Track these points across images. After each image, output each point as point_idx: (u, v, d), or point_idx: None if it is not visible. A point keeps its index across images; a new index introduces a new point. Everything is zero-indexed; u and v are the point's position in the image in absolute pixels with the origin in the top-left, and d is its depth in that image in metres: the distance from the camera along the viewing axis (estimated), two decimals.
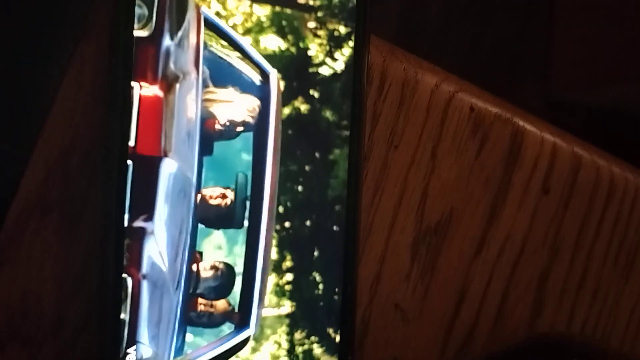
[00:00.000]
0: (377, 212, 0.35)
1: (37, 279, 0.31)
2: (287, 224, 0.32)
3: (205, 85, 0.31)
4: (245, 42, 0.31)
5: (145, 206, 0.30)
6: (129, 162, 0.29)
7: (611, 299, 0.38)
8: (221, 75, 0.31)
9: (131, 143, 0.29)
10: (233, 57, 0.31)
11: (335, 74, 0.33)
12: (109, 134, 0.29)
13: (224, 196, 0.31)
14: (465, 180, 0.36)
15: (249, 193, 0.31)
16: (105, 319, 0.30)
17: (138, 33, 0.29)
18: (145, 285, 0.30)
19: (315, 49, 0.32)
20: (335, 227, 0.33)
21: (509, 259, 0.37)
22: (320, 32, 0.32)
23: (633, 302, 0.38)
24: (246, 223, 0.31)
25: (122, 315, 0.29)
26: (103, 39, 0.30)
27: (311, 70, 0.32)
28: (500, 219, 0.37)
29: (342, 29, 0.33)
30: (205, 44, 0.30)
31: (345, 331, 0.33)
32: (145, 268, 0.30)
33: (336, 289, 0.33)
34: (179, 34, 0.30)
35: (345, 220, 0.33)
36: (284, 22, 0.32)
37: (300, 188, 0.32)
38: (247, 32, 0.31)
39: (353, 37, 0.33)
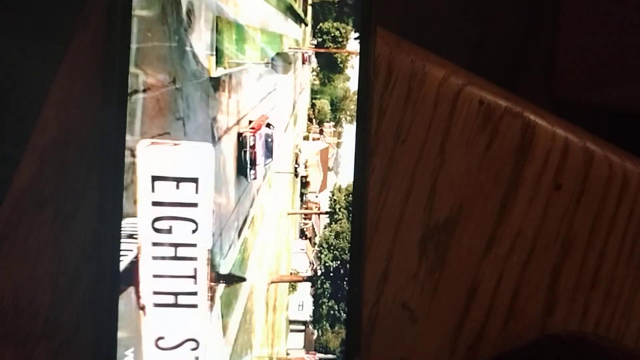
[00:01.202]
0: (384, 209, 0.34)
1: (31, 278, 0.30)
2: None
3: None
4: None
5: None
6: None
7: (625, 297, 0.37)
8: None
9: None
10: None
11: (341, 66, 0.32)
12: (105, 125, 0.28)
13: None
14: (474, 176, 0.35)
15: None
16: (101, 319, 0.29)
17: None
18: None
19: (321, 39, 0.31)
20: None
21: (520, 256, 0.36)
22: (327, 24, 0.31)
23: None
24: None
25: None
26: (99, 29, 0.29)
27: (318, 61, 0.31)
28: (511, 215, 0.36)
29: (348, 20, 0.32)
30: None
31: (351, 331, 0.32)
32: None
33: (342, 288, 0.32)
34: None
35: (351, 217, 0.32)
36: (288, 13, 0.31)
37: None
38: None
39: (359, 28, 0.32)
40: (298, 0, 0.31)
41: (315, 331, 0.32)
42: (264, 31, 0.31)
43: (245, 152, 0.30)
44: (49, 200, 0.30)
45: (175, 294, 0.30)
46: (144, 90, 0.28)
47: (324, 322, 0.32)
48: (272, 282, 0.31)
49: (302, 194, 0.32)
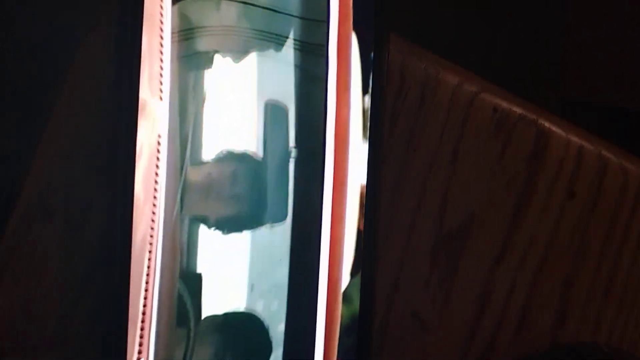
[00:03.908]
0: (396, 217, 0.34)
1: (39, 288, 0.30)
2: None
3: None
4: None
5: None
6: None
7: (638, 307, 0.36)
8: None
9: None
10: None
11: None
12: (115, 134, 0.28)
13: None
14: (487, 184, 0.35)
15: None
16: (111, 329, 0.29)
17: None
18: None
19: None
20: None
21: (532, 266, 0.35)
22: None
23: None
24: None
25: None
26: (109, 37, 0.29)
27: None
28: (523, 224, 0.35)
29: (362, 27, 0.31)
30: None
31: (362, 340, 0.32)
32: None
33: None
34: None
35: (362, 225, 0.31)
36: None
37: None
38: None
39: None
40: None
41: None
42: None
43: None
44: (58, 210, 0.30)
45: None
46: None
47: None
48: None
49: None
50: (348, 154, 0.30)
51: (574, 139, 0.35)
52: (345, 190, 0.30)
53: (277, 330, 0.31)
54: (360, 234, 0.31)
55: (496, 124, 0.34)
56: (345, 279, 0.31)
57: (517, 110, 0.35)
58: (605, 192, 0.36)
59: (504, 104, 0.35)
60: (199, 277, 0.30)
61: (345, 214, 0.30)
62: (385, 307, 0.34)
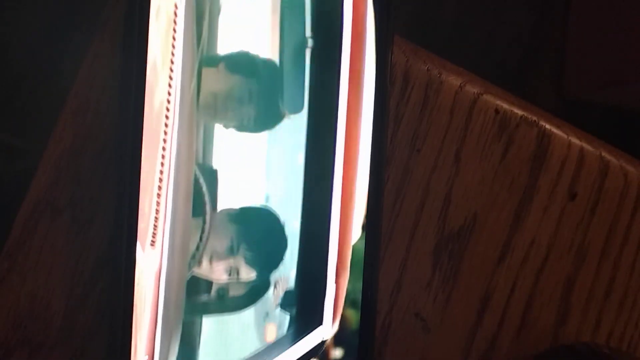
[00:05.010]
0: (398, 218, 0.34)
1: (46, 285, 0.30)
2: None
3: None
4: None
5: None
6: None
7: (638, 308, 0.36)
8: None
9: None
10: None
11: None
12: (122, 133, 0.28)
13: None
14: (489, 185, 0.35)
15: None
16: (117, 326, 0.29)
17: None
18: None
19: None
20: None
21: (534, 266, 0.36)
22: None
23: None
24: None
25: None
26: (116, 37, 0.29)
27: None
28: (525, 225, 0.35)
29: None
30: None
31: (364, 340, 0.32)
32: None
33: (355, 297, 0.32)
34: None
35: (365, 226, 0.32)
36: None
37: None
38: None
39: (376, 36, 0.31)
40: None
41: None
42: None
43: None
44: (65, 208, 0.30)
45: None
46: None
47: None
48: None
49: None
50: (365, 44, 0.30)
51: (575, 140, 0.36)
52: (362, 81, 0.30)
53: (293, 227, 0.31)
54: (375, 126, 0.31)
55: (498, 125, 0.35)
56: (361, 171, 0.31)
57: (519, 111, 0.35)
58: (606, 193, 0.36)
59: (506, 106, 0.35)
60: (214, 172, 0.29)
61: (361, 105, 0.30)
62: (387, 307, 0.34)
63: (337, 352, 0.32)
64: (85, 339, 0.31)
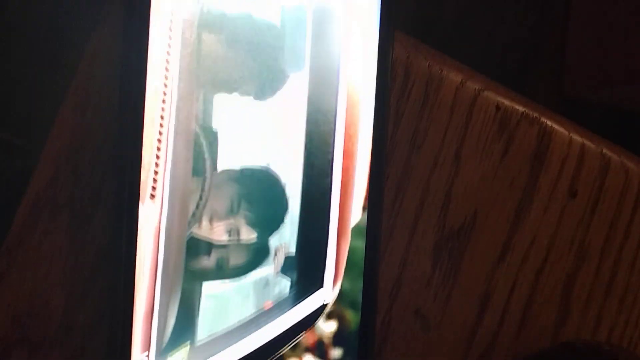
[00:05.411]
0: (399, 215, 0.34)
1: (45, 282, 0.30)
2: None
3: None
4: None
5: None
6: None
7: (639, 306, 0.36)
8: None
9: None
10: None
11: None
12: (121, 130, 0.28)
13: None
14: (489, 183, 0.35)
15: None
16: (116, 324, 0.29)
17: None
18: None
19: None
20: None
21: (534, 264, 0.36)
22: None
23: None
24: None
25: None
26: (115, 34, 0.29)
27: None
28: (526, 223, 0.35)
29: (366, 23, 0.31)
30: None
31: (364, 338, 0.32)
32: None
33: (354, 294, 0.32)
34: None
35: (365, 223, 0.32)
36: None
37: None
38: None
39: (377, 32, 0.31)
40: None
41: None
42: None
43: None
44: (64, 205, 0.30)
45: None
46: None
47: None
48: None
49: None
50: None
51: (576, 137, 0.36)
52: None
53: (294, 189, 0.30)
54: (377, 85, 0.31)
55: (499, 123, 0.35)
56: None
57: (520, 108, 0.35)
58: (606, 191, 0.36)
59: (507, 102, 0.35)
60: (215, 133, 0.29)
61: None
62: (387, 305, 0.34)
63: (337, 352, 0.32)
64: (85, 337, 0.31)
